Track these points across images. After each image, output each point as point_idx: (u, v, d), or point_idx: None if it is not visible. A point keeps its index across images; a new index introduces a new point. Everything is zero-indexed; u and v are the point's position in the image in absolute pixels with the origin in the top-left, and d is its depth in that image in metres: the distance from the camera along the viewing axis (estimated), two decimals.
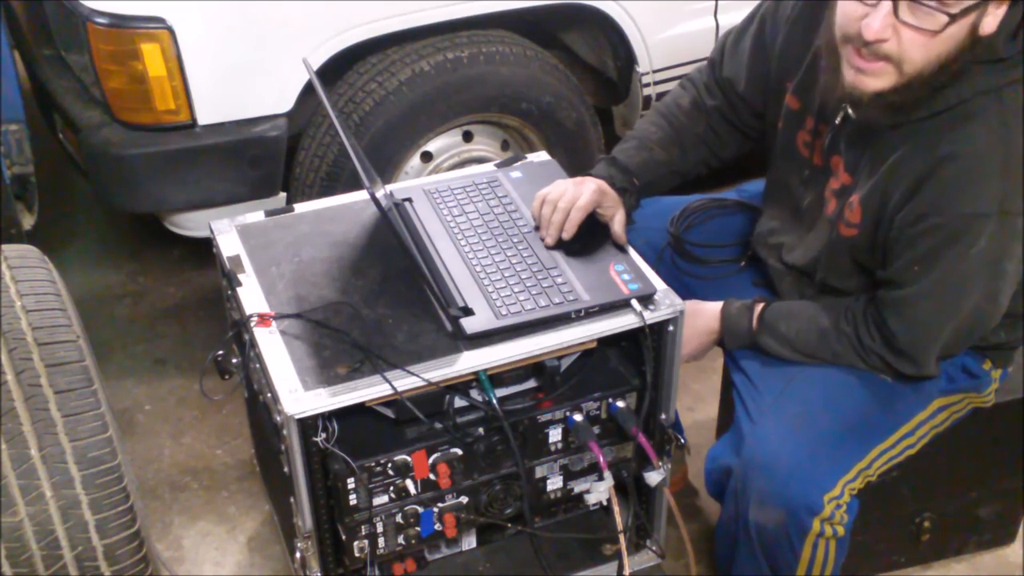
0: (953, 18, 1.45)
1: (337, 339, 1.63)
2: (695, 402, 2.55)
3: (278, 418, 1.59)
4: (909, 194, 1.59)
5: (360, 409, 1.58)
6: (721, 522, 1.86)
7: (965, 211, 1.56)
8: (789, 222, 1.87)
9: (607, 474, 1.72)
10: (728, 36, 1.94)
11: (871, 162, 1.66)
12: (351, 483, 1.61)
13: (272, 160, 2.35)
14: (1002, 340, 1.83)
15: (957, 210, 1.56)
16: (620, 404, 1.74)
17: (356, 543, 1.68)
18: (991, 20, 1.49)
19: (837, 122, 1.71)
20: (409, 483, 1.65)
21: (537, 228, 1.83)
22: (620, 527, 1.75)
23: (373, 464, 1.62)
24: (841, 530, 1.70)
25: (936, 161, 1.56)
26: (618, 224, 1.83)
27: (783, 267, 1.88)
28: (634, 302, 1.69)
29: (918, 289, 1.64)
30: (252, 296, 1.73)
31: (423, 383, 1.57)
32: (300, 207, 1.97)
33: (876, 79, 1.53)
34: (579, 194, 1.79)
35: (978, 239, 1.57)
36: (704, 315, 1.86)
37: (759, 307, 1.82)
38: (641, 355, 1.73)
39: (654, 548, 1.97)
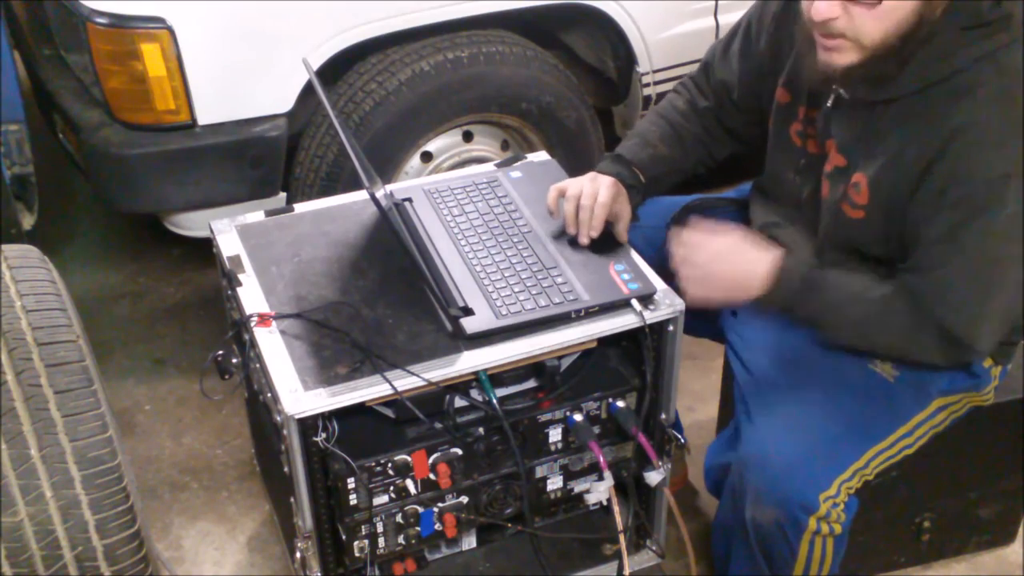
0: None
1: (337, 339, 1.63)
2: (695, 402, 2.54)
3: (278, 418, 1.59)
4: (923, 174, 1.57)
5: (360, 409, 1.58)
6: (718, 518, 1.86)
7: (986, 176, 1.53)
8: (790, 217, 1.86)
9: (607, 474, 1.72)
10: (720, 40, 1.96)
11: (866, 140, 1.65)
12: (351, 483, 1.61)
13: (272, 160, 2.35)
14: None
15: (978, 177, 1.54)
16: (620, 404, 1.74)
17: (356, 543, 1.68)
18: None
19: (829, 104, 1.70)
20: (409, 483, 1.65)
21: (541, 224, 1.83)
22: (620, 527, 1.75)
23: (373, 464, 1.62)
24: (838, 528, 1.70)
25: (946, 136, 1.54)
26: (623, 224, 1.85)
27: None
28: (634, 302, 1.69)
29: (952, 269, 1.58)
30: (252, 296, 1.73)
31: (423, 383, 1.57)
32: (300, 207, 1.97)
33: (841, 55, 1.56)
34: (597, 190, 1.82)
35: (1004, 204, 1.54)
36: (750, 258, 1.67)
37: (812, 270, 1.68)
38: (641, 355, 1.73)
39: (654, 548, 1.97)
